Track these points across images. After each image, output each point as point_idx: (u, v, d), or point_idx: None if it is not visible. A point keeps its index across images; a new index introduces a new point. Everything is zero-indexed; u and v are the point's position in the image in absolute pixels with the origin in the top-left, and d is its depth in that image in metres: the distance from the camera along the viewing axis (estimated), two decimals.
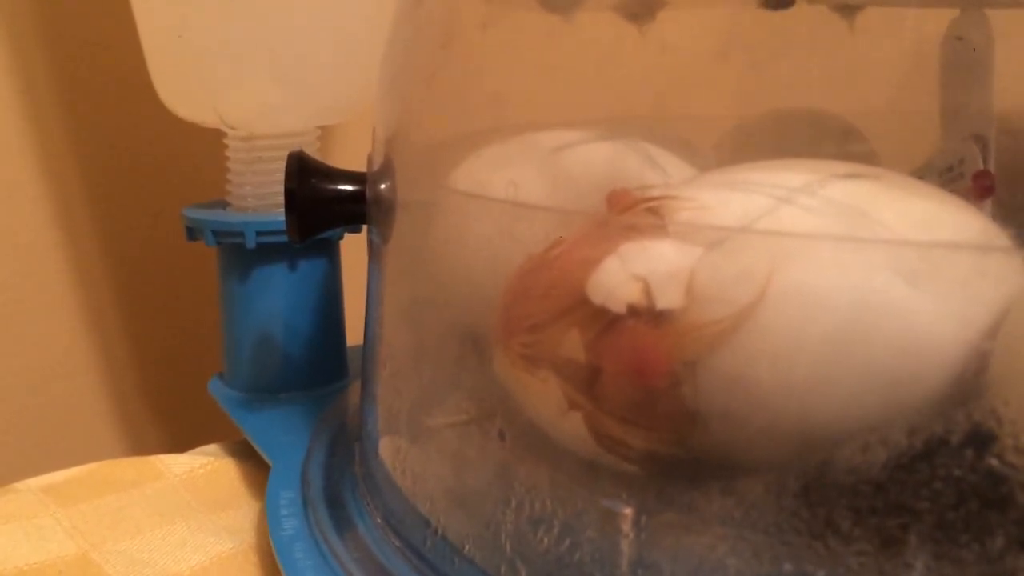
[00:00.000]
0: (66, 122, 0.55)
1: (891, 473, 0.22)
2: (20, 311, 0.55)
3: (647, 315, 0.24)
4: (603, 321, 0.25)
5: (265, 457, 0.40)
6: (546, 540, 0.26)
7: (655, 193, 0.26)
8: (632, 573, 0.25)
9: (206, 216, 0.46)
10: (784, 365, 0.23)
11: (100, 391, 0.59)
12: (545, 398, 0.26)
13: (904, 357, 0.22)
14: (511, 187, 0.29)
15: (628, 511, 0.25)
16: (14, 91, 0.53)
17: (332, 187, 0.36)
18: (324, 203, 0.36)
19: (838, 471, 0.22)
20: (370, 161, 0.36)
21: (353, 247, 0.47)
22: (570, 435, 0.26)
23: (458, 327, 0.31)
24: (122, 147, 0.57)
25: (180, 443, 0.48)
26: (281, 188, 0.35)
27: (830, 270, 0.23)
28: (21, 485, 0.41)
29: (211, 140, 0.48)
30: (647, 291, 0.24)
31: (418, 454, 0.33)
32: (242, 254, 0.45)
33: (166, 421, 0.61)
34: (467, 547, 0.29)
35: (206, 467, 0.42)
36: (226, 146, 0.47)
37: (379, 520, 0.33)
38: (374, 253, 0.37)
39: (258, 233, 0.45)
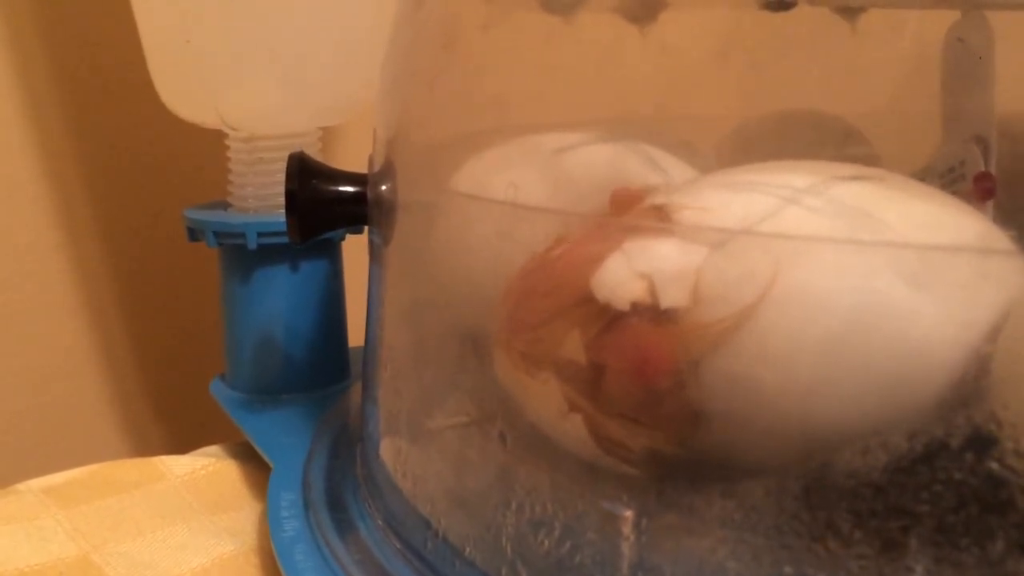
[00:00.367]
0: (67, 123, 0.55)
1: (891, 476, 0.22)
2: (21, 312, 0.55)
3: (650, 313, 0.24)
4: (604, 319, 0.25)
5: (266, 459, 0.40)
6: (547, 542, 0.26)
7: (659, 193, 0.26)
8: (632, 575, 0.25)
9: (207, 217, 0.46)
10: (785, 366, 0.23)
11: (101, 392, 0.59)
12: (545, 400, 0.26)
13: (904, 360, 0.22)
14: (511, 189, 0.29)
15: (629, 513, 0.25)
16: (15, 91, 0.53)
17: (333, 188, 0.36)
18: (325, 204, 0.36)
19: (838, 474, 0.22)
20: (371, 162, 0.36)
21: (355, 248, 0.47)
22: (570, 437, 0.26)
23: (459, 329, 0.31)
24: (123, 148, 0.57)
25: (181, 444, 0.48)
26: (282, 189, 0.35)
27: (830, 272, 0.23)
28: (22, 486, 0.41)
29: (213, 141, 0.48)
30: (651, 289, 0.24)
31: (419, 456, 0.33)
32: (243, 255, 0.45)
33: (167, 422, 0.61)
34: (468, 549, 0.29)
35: (207, 468, 0.42)
36: (227, 147, 0.47)
37: (380, 522, 0.33)
38: (375, 254, 0.37)
39: (259, 234, 0.45)
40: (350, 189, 0.36)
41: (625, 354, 0.24)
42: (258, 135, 0.46)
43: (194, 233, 0.46)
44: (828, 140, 0.32)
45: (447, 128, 0.34)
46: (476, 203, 0.30)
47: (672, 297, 0.24)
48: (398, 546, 0.31)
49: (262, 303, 0.46)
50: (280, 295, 0.46)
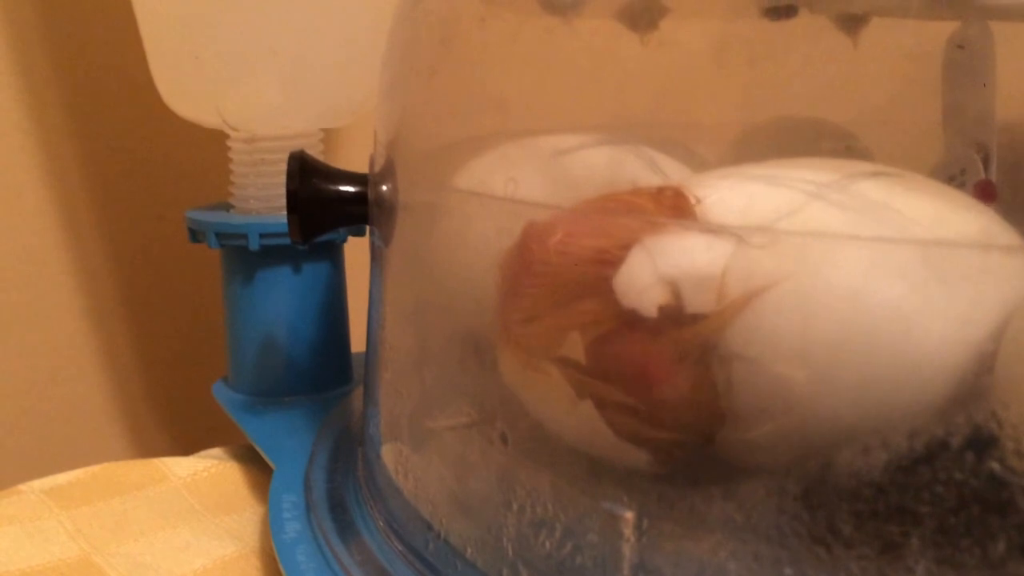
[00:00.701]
0: (69, 125, 0.55)
1: (892, 476, 0.22)
2: (24, 313, 0.55)
3: (669, 317, 0.24)
4: (607, 324, 0.25)
5: (268, 461, 0.40)
6: (548, 544, 0.26)
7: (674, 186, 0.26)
8: None
9: (209, 218, 0.46)
10: (785, 366, 0.23)
11: (104, 393, 0.59)
12: (552, 392, 0.26)
13: (905, 357, 0.22)
14: (511, 184, 0.29)
15: (630, 515, 0.25)
16: (17, 92, 0.53)
17: (334, 188, 0.36)
18: (326, 204, 0.36)
19: (839, 474, 0.23)
20: (372, 162, 0.36)
21: (357, 251, 0.47)
22: (581, 429, 0.26)
23: (459, 329, 0.31)
24: (126, 149, 0.57)
25: (184, 446, 0.48)
26: (284, 190, 0.35)
27: (831, 268, 0.23)
28: (24, 487, 0.41)
29: (215, 142, 0.48)
30: (677, 294, 0.24)
31: (420, 458, 0.33)
32: (245, 256, 0.46)
33: (170, 424, 0.61)
34: (469, 551, 0.29)
35: (210, 470, 0.42)
36: (229, 148, 0.47)
37: (381, 524, 0.33)
38: (376, 255, 0.37)
39: (261, 235, 0.45)
40: (351, 189, 0.36)
41: (629, 362, 0.24)
42: (259, 136, 0.46)
43: (196, 234, 0.47)
44: (828, 147, 0.32)
45: (447, 129, 0.34)
46: (476, 201, 0.30)
47: (700, 303, 0.24)
48: (399, 548, 0.31)
49: (264, 305, 0.46)
50: (282, 297, 0.46)
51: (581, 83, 0.32)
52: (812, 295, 0.23)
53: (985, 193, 0.30)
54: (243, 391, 0.48)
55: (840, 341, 0.22)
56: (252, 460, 0.43)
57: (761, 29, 0.31)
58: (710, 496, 0.24)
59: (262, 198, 0.47)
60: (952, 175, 0.31)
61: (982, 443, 0.21)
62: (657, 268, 0.24)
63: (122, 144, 0.57)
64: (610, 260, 0.25)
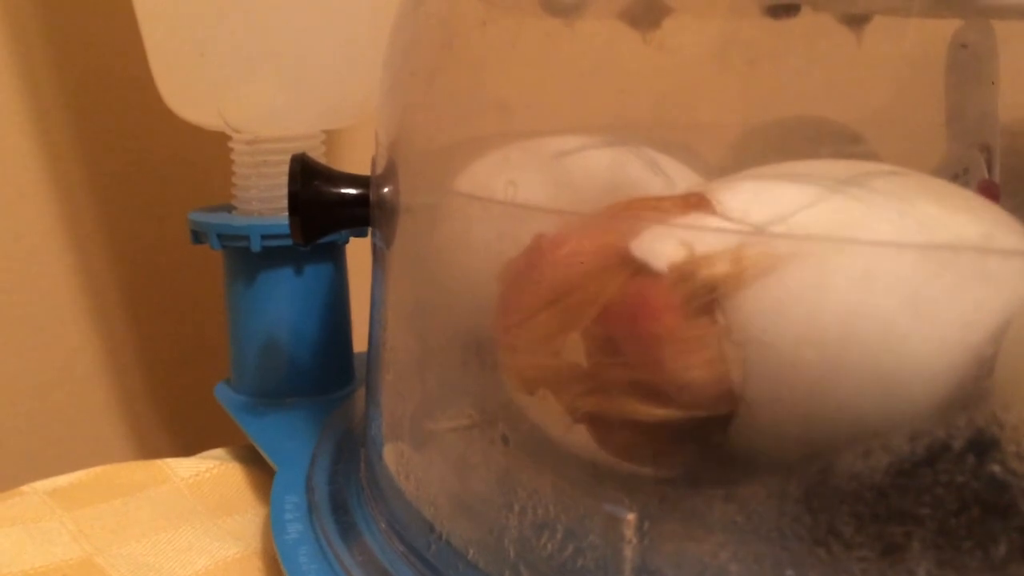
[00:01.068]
0: (72, 126, 0.55)
1: (893, 479, 0.22)
2: (26, 315, 0.55)
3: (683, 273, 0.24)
4: (601, 301, 0.25)
5: (270, 462, 0.40)
6: (549, 545, 0.26)
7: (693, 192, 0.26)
8: None
9: (211, 220, 0.46)
10: (786, 369, 0.23)
11: (106, 395, 0.59)
12: (548, 416, 0.26)
13: (905, 360, 0.22)
14: (510, 187, 0.29)
15: (631, 516, 0.25)
16: (19, 94, 0.53)
17: (336, 190, 0.36)
18: (328, 206, 0.36)
19: (840, 476, 0.23)
20: (373, 164, 0.36)
21: (360, 252, 0.47)
22: (577, 447, 0.26)
23: (461, 331, 0.31)
24: (128, 151, 0.57)
25: (186, 447, 0.48)
26: (286, 192, 0.35)
27: (830, 270, 0.23)
28: (27, 488, 0.41)
29: (217, 143, 0.48)
30: (691, 253, 0.24)
31: (421, 459, 0.33)
32: (248, 258, 0.46)
33: (172, 425, 0.61)
34: (471, 552, 0.29)
35: (212, 471, 0.42)
36: (231, 149, 0.47)
37: (383, 525, 0.33)
38: (377, 257, 0.37)
39: (263, 237, 0.45)
40: (353, 191, 0.36)
41: (631, 310, 0.24)
42: (261, 138, 0.46)
43: (198, 236, 0.47)
44: (831, 146, 0.32)
45: (449, 131, 0.34)
46: (477, 204, 0.31)
47: (714, 262, 0.23)
48: (401, 549, 0.31)
49: (266, 306, 0.46)
50: (284, 298, 0.46)
51: (582, 84, 0.32)
52: (823, 282, 0.22)
53: (988, 193, 0.30)
54: (245, 392, 0.48)
55: (848, 331, 0.22)
56: (254, 461, 0.43)
57: (763, 28, 0.31)
58: (711, 498, 0.24)
59: (264, 199, 0.47)
60: (955, 175, 0.31)
61: (983, 445, 0.21)
62: (674, 234, 0.24)
63: (124, 145, 0.57)
64: (621, 256, 0.25)
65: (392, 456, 0.35)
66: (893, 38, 0.31)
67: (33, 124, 0.54)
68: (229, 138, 0.47)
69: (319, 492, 0.36)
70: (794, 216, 0.23)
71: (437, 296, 0.33)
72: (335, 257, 0.48)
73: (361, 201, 0.36)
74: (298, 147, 0.46)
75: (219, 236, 0.45)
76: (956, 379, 0.22)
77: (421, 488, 0.32)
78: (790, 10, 0.30)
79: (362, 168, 0.37)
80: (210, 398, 0.49)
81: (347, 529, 0.34)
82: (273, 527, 0.34)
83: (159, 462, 0.43)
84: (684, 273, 0.24)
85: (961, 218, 0.24)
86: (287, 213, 0.35)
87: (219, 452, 0.45)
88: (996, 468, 0.21)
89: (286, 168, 0.36)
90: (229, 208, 0.48)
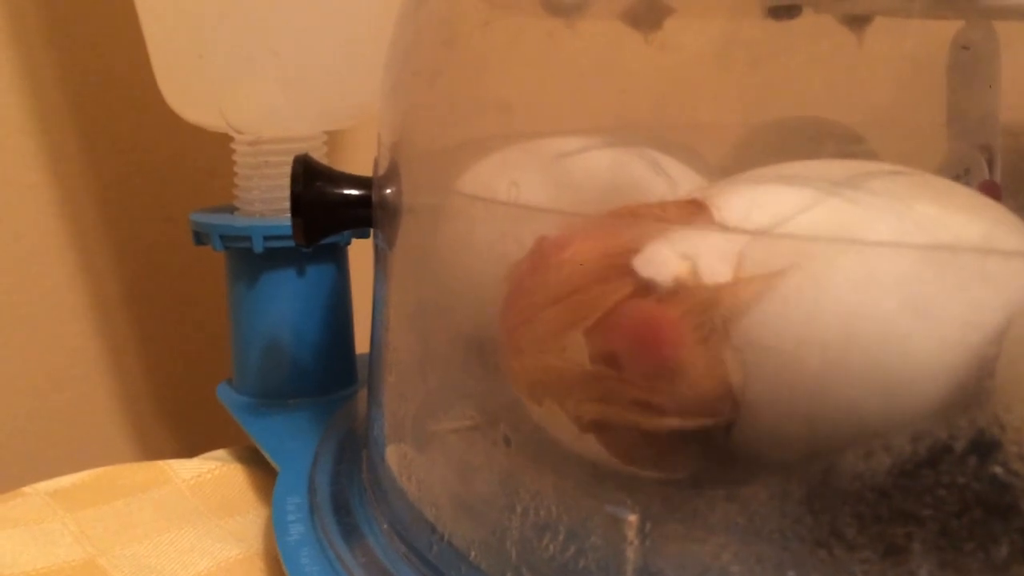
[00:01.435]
0: (74, 127, 0.55)
1: (895, 480, 0.22)
2: (28, 315, 0.55)
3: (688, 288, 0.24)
4: (605, 306, 0.24)
5: (272, 463, 0.40)
6: (551, 547, 0.26)
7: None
8: None
9: (213, 221, 0.46)
10: (787, 371, 0.23)
11: (108, 395, 0.59)
12: (556, 425, 0.26)
13: (906, 361, 0.22)
14: (513, 188, 0.29)
15: (633, 518, 0.25)
16: (21, 95, 0.53)
17: (338, 191, 0.36)
18: (330, 207, 0.36)
19: (842, 477, 0.23)
20: (376, 165, 0.36)
21: (362, 253, 0.47)
22: (587, 453, 0.26)
23: (463, 332, 0.31)
24: (130, 151, 0.57)
25: (188, 448, 0.48)
26: (288, 193, 0.35)
27: (830, 272, 0.23)
28: (29, 489, 0.41)
29: (220, 144, 0.48)
30: (695, 268, 0.24)
31: (424, 460, 0.33)
32: (250, 259, 0.46)
33: (174, 426, 0.61)
34: (473, 553, 0.29)
35: (214, 472, 0.42)
36: (233, 150, 0.47)
37: (385, 526, 0.33)
38: (380, 258, 0.37)
39: (265, 238, 0.45)
40: (355, 192, 0.36)
41: (635, 331, 0.24)
42: (263, 139, 0.46)
43: (200, 237, 0.47)
44: (832, 146, 0.32)
45: (451, 132, 0.34)
46: (480, 205, 0.31)
47: (717, 274, 0.23)
48: (403, 550, 0.31)
49: (269, 307, 0.46)
50: (287, 299, 0.46)
51: (584, 85, 0.32)
52: (823, 284, 0.22)
53: (989, 194, 0.30)
54: (247, 393, 0.48)
55: (849, 332, 0.22)
56: (256, 462, 0.43)
57: (765, 29, 0.31)
58: (713, 499, 0.24)
59: (266, 200, 0.47)
60: (956, 175, 0.31)
61: (985, 447, 0.21)
62: (676, 247, 0.24)
63: (126, 146, 0.57)
64: (624, 263, 0.25)
65: (394, 457, 0.35)
66: (894, 39, 0.31)
67: (35, 124, 0.54)
68: (231, 139, 0.47)
69: (321, 493, 0.36)
70: (792, 220, 0.23)
71: (439, 297, 0.33)
72: (337, 258, 0.48)
73: (363, 202, 0.36)
74: (300, 148, 0.46)
75: (221, 237, 0.45)
76: (957, 380, 0.22)
77: (423, 489, 0.32)
78: (791, 11, 0.30)
79: (364, 169, 0.37)
80: (212, 399, 0.49)
81: (349, 530, 0.34)
82: (275, 528, 0.34)
83: (161, 463, 0.43)
84: (687, 289, 0.24)
85: (961, 218, 0.24)
86: (289, 214, 0.35)
87: (221, 453, 0.45)
88: (998, 469, 0.21)
89: (288, 169, 0.36)
90: (231, 209, 0.48)
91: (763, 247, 0.23)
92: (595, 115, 0.33)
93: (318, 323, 0.47)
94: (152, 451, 0.60)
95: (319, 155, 0.47)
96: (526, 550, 0.27)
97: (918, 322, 0.22)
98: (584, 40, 0.32)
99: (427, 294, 0.34)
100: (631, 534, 0.25)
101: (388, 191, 0.34)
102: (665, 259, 0.24)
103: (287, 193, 0.35)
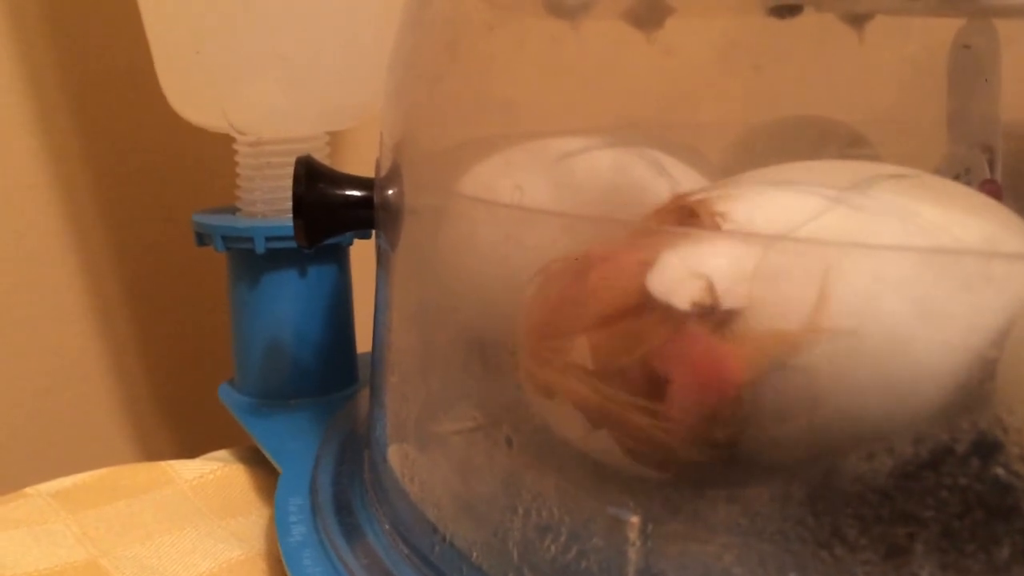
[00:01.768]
0: (75, 127, 0.55)
1: (897, 481, 0.22)
2: (30, 316, 0.55)
3: (712, 318, 0.23)
4: (666, 328, 0.24)
5: (274, 463, 0.40)
6: (553, 548, 0.26)
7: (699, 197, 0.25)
8: None
9: (215, 221, 0.46)
10: (791, 372, 0.23)
11: (110, 396, 0.59)
12: (567, 420, 0.26)
13: (909, 363, 0.22)
14: (516, 191, 0.29)
15: (635, 519, 0.25)
16: (23, 95, 0.53)
17: (340, 192, 0.36)
18: (332, 208, 0.36)
19: (844, 479, 0.23)
20: (378, 166, 0.36)
21: (364, 253, 0.47)
22: (598, 451, 0.26)
23: (466, 333, 0.31)
24: (132, 152, 0.57)
25: (190, 449, 0.48)
26: (290, 193, 0.35)
27: (834, 275, 0.23)
28: (31, 490, 0.41)
29: (222, 145, 0.48)
30: (710, 289, 0.24)
31: (426, 461, 0.33)
32: (252, 260, 0.46)
33: (176, 426, 0.61)
34: (475, 554, 0.29)
35: (216, 473, 0.42)
36: (235, 151, 0.47)
37: (387, 527, 0.33)
38: (382, 259, 0.37)
39: (267, 238, 0.45)
40: (357, 193, 0.36)
41: (695, 367, 0.24)
42: (265, 139, 0.46)
43: (202, 238, 0.47)
44: (833, 146, 0.32)
45: (453, 133, 0.34)
46: (483, 207, 0.31)
47: (733, 298, 0.23)
48: (405, 551, 0.31)
49: (270, 308, 0.46)
50: (288, 300, 0.46)
51: (587, 86, 0.32)
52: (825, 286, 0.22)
53: (990, 194, 0.30)
54: (249, 393, 0.48)
55: (857, 341, 0.22)
56: (258, 463, 0.43)
57: (766, 28, 0.31)
58: (715, 500, 0.24)
59: (268, 201, 0.47)
60: (957, 175, 0.31)
61: (987, 448, 0.21)
62: (687, 265, 0.24)
63: (128, 146, 0.57)
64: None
65: (396, 458, 0.35)
66: (896, 39, 0.31)
67: (36, 125, 0.54)
68: (233, 140, 0.47)
69: (323, 494, 0.36)
70: (800, 230, 0.23)
71: (442, 298, 0.33)
72: (339, 259, 0.48)
73: (365, 203, 0.36)
74: (302, 149, 0.46)
75: (223, 238, 0.45)
76: (960, 382, 0.22)
77: (425, 490, 0.32)
78: (793, 10, 0.30)
79: (366, 170, 0.37)
80: (214, 399, 0.49)
81: (351, 531, 0.34)
82: (277, 529, 0.34)
83: (163, 464, 0.43)
84: (705, 308, 0.23)
85: (965, 221, 0.24)
86: (291, 215, 0.35)
87: (223, 454, 0.45)
88: (999, 471, 0.21)
89: (290, 170, 0.36)
90: (233, 210, 0.48)
91: (774, 259, 0.23)
92: (597, 115, 0.33)
93: (320, 324, 0.47)
94: (154, 452, 0.60)
95: (321, 156, 0.47)
96: (528, 551, 0.27)
97: (922, 325, 0.22)
98: (586, 40, 0.32)
99: (429, 295, 0.34)
100: (633, 535, 0.25)
101: (390, 192, 0.34)
102: (679, 279, 0.24)
103: (289, 194, 0.35)
